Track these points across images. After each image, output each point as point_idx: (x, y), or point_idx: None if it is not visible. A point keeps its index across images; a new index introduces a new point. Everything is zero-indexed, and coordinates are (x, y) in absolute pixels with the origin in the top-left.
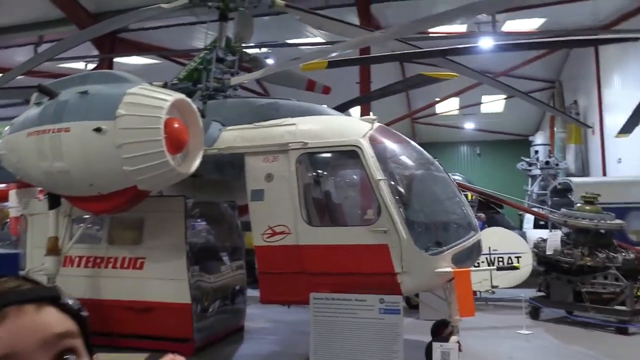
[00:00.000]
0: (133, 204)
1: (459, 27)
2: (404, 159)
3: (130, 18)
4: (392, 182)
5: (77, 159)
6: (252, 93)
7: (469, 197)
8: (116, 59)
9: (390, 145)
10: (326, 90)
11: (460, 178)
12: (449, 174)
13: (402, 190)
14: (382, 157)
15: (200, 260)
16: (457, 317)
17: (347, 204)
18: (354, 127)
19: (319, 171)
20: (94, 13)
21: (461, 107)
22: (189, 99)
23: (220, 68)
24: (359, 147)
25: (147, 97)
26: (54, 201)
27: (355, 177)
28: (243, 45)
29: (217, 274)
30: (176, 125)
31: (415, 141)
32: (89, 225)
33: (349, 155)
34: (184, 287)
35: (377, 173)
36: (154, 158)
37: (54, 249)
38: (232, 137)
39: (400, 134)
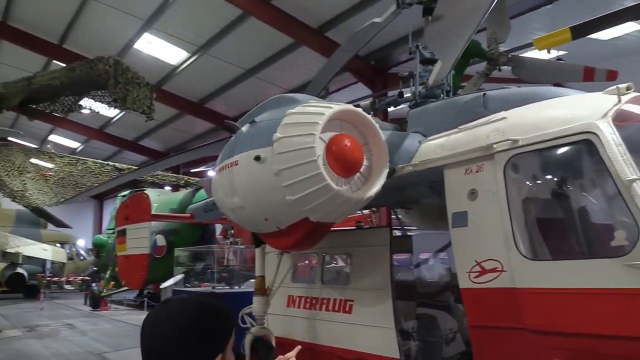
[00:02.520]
0: (314, 238)
1: None
2: None
3: (356, 43)
4: None
5: (247, 192)
6: None
7: None
8: None
9: None
10: (611, 75)
11: None
12: None
13: None
14: (634, 143)
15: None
16: None
17: (584, 223)
18: (589, 105)
19: (540, 179)
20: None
21: None
22: (359, 109)
23: (428, 70)
24: (595, 134)
25: (305, 115)
26: (257, 239)
27: (595, 180)
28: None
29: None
30: (346, 143)
31: None
32: (306, 263)
33: (581, 148)
34: (391, 337)
35: (627, 169)
36: (313, 183)
37: (260, 288)
38: (431, 148)
39: None
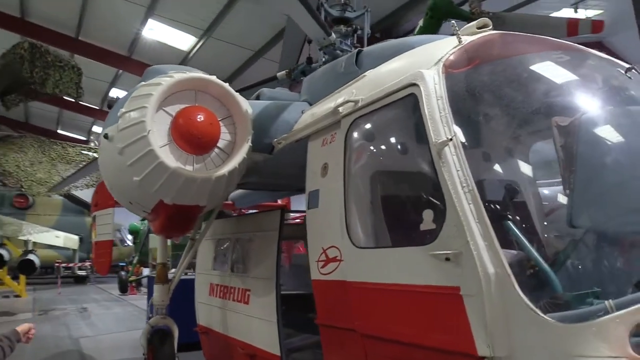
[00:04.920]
0: (182, 223)
1: None
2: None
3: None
4: (483, 146)
5: (104, 174)
6: None
7: None
8: None
9: (502, 62)
10: (597, 26)
11: None
12: None
13: (508, 160)
14: (464, 92)
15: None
16: None
17: (409, 202)
18: (431, 52)
19: (373, 147)
20: None
21: None
22: (211, 77)
23: (338, 31)
24: (418, 86)
25: (146, 86)
26: None
27: (421, 147)
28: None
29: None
30: (196, 117)
31: None
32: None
33: (407, 105)
34: (272, 332)
35: (441, 129)
36: (148, 162)
37: (160, 276)
38: (305, 118)
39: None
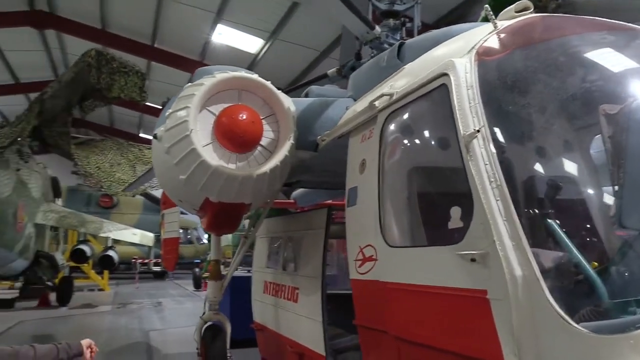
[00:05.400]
0: (229, 220)
1: None
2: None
3: None
4: (516, 139)
5: (157, 173)
6: None
7: None
8: None
9: (540, 46)
10: None
11: None
12: None
13: (546, 154)
14: (498, 81)
15: None
16: None
17: (429, 199)
18: (467, 39)
19: (404, 142)
20: None
21: None
22: (251, 76)
23: (387, 25)
24: (448, 76)
25: (190, 87)
26: None
27: (446, 143)
28: None
29: None
30: (238, 115)
31: None
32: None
33: (439, 97)
34: (318, 331)
35: (470, 120)
36: (191, 160)
37: (214, 273)
38: (349, 114)
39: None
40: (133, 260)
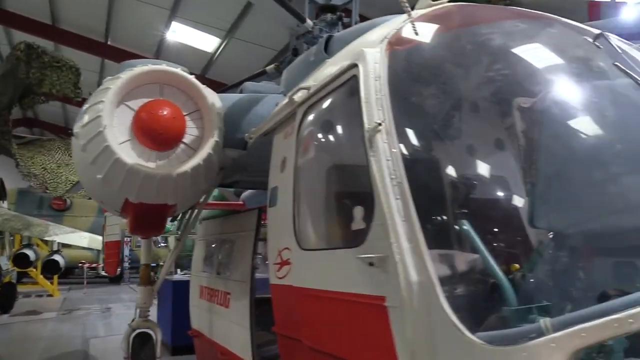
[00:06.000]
0: (152, 222)
1: None
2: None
3: None
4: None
5: (78, 172)
6: None
7: None
8: None
9: (453, 35)
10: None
11: None
12: None
13: (456, 149)
14: (407, 73)
15: None
16: None
17: (336, 198)
18: (379, 32)
19: (317, 138)
20: None
21: None
22: (174, 70)
23: (324, 20)
24: (358, 67)
25: (107, 81)
26: None
27: (355, 138)
28: None
29: None
30: (158, 111)
31: None
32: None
33: (350, 90)
34: (245, 337)
35: (375, 113)
36: (106, 158)
37: (144, 277)
38: (273, 111)
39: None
40: (80, 265)
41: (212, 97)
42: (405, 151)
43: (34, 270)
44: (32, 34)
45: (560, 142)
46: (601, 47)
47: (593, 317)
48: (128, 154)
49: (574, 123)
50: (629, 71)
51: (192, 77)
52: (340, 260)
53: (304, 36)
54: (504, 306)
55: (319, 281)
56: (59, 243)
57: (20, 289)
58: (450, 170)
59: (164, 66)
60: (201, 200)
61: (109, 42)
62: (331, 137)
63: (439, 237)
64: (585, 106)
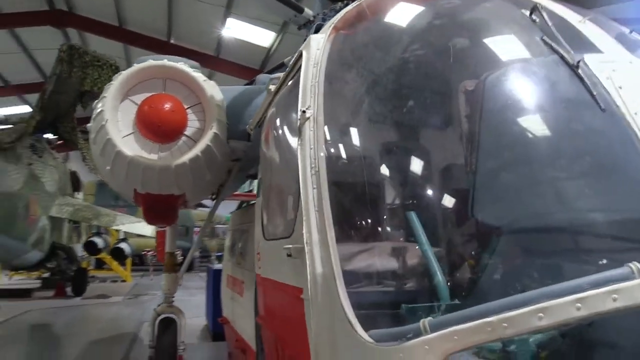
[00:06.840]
0: (163, 212)
1: None
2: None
3: None
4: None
5: (97, 166)
6: None
7: None
8: None
9: (396, 17)
10: None
11: None
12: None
13: (388, 138)
14: (343, 59)
15: None
16: None
17: (282, 189)
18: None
19: (277, 127)
20: None
21: None
22: (176, 65)
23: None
24: (303, 53)
25: (115, 76)
26: None
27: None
28: None
29: None
30: (160, 105)
31: None
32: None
33: (298, 78)
34: (249, 326)
35: (308, 100)
36: (110, 150)
37: (168, 265)
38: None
39: None
40: (144, 253)
41: (212, 90)
42: (328, 139)
43: (109, 257)
44: (102, 35)
45: (484, 128)
46: (536, 20)
47: (470, 319)
48: (130, 146)
49: (495, 105)
50: (556, 47)
51: (192, 71)
52: (277, 251)
53: (305, 26)
54: (403, 303)
55: (269, 271)
56: (125, 232)
57: (98, 274)
58: (372, 161)
59: (165, 61)
60: (223, 191)
61: (171, 41)
62: (286, 127)
63: (351, 229)
64: (510, 89)
